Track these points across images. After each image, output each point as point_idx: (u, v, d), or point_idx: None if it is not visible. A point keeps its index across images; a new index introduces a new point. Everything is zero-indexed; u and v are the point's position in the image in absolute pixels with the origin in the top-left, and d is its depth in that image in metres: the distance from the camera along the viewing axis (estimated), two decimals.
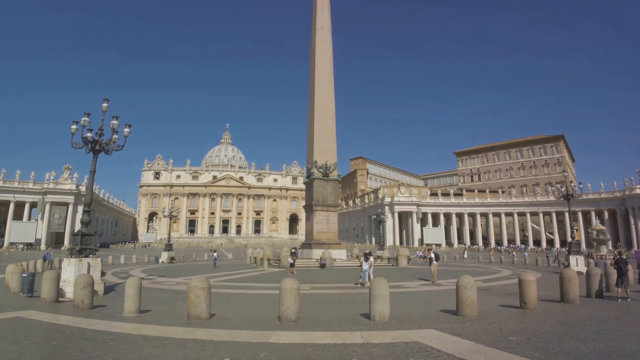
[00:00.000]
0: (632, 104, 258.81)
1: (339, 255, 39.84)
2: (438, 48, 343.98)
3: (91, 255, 20.60)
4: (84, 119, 20.23)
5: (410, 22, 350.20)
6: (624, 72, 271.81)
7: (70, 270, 19.80)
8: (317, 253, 37.93)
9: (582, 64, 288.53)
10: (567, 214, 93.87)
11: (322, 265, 34.91)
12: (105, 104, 20.86)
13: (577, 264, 35.37)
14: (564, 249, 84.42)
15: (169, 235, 60.14)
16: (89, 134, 20.75)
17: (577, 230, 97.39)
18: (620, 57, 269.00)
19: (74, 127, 20.42)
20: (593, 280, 17.36)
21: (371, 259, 21.82)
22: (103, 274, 22.48)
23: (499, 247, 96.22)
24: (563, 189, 41.86)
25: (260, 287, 22.20)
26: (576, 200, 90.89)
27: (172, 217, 62.59)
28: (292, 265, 29.65)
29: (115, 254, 58.91)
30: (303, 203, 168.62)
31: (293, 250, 34.67)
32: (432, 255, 24.47)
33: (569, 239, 40.21)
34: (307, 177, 43.10)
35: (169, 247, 54.78)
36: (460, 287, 12.21)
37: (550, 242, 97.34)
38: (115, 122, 20.93)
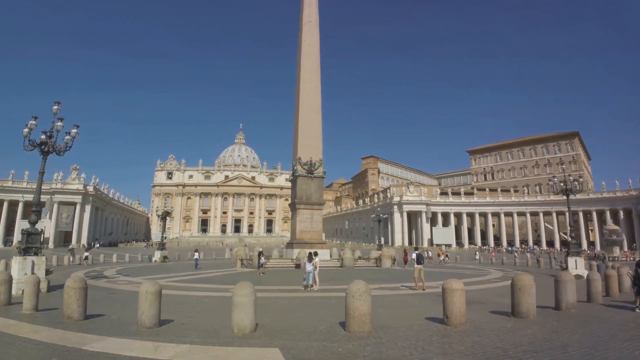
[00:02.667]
0: None
1: (322, 255, 38.49)
2: (442, 48, 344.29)
3: (36, 254, 20.57)
4: (31, 122, 20.54)
5: (419, 23, 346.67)
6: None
7: (15, 269, 19.98)
8: (305, 253, 36.65)
9: (597, 63, 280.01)
10: (580, 214, 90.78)
11: (297, 266, 33.69)
12: (55, 107, 21.33)
13: (577, 266, 32.56)
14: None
15: (163, 234, 59.79)
16: (43, 136, 21.17)
17: (591, 230, 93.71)
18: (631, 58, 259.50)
19: (25, 130, 20.54)
20: (591, 285, 16.05)
21: (316, 259, 20.34)
22: (49, 272, 22.17)
23: (510, 248, 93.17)
24: (562, 184, 38.35)
25: (204, 288, 21.20)
26: (590, 199, 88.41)
27: (167, 217, 62.31)
28: (260, 265, 28.56)
29: (119, 253, 58.82)
30: (325, 203, 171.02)
31: (260, 250, 33.50)
32: (414, 256, 21.06)
33: (569, 239, 37.17)
34: (292, 174, 41.96)
35: (161, 246, 54.47)
36: (347, 294, 10.02)
37: (564, 243, 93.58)
38: (60, 124, 21.29)
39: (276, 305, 15.17)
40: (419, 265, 20.00)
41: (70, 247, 56.67)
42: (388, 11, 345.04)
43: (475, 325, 10.85)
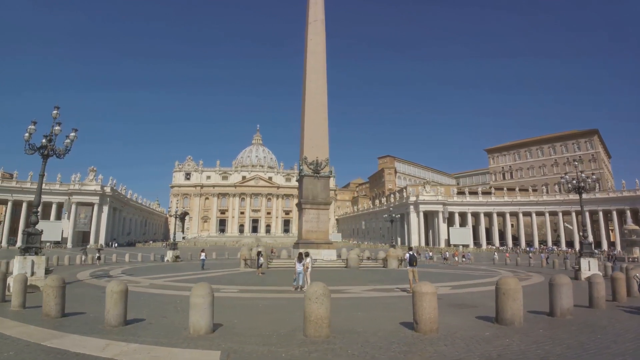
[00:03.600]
0: None
1: (328, 255, 38.23)
2: (455, 48, 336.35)
3: (35, 254, 21.16)
4: (30, 127, 21.25)
5: (437, 24, 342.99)
6: None
7: (15, 268, 20.61)
8: (307, 253, 36.43)
9: (616, 62, 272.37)
10: (600, 213, 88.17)
11: None
12: (55, 112, 21.95)
13: (590, 267, 31.22)
14: (597, 250, 78.98)
15: (174, 234, 60.50)
16: (43, 140, 21.78)
17: (611, 230, 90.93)
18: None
19: (26, 135, 21.22)
20: (593, 289, 14.81)
21: (307, 260, 20.03)
22: (48, 271, 22.57)
23: (529, 249, 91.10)
24: (574, 182, 36.48)
25: (222, 289, 21.09)
26: (610, 198, 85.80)
27: (185, 217, 62.94)
28: (260, 265, 28.44)
29: (134, 252, 59.75)
30: (332, 203, 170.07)
31: (259, 250, 33.33)
32: (407, 256, 20.33)
33: (580, 239, 35.77)
34: (299, 174, 41.77)
35: (173, 246, 55.18)
36: (305, 297, 9.61)
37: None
38: (58, 128, 21.93)
39: (257, 306, 15.07)
40: (412, 267, 19.35)
41: (82, 247, 57.75)
42: (399, 11, 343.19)
43: (449, 332, 10.15)
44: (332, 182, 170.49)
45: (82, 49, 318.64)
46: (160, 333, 10.05)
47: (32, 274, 20.42)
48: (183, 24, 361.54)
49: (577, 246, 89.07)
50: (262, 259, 28.59)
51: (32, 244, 21.46)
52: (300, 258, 20.01)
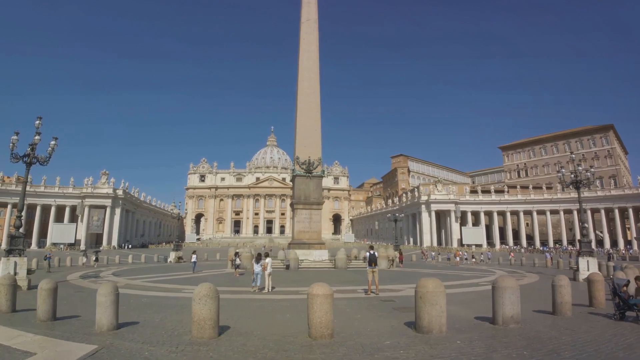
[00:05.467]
0: None
1: (319, 256, 37.86)
2: (452, 49, 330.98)
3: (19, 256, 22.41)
4: (13, 137, 22.36)
5: (444, 24, 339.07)
6: None
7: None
8: (294, 254, 36.22)
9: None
10: (616, 211, 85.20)
11: (287, 267, 33.20)
12: (37, 122, 23.12)
13: (588, 267, 29.87)
14: (612, 249, 76.44)
15: (177, 236, 61.00)
16: (28, 150, 23.09)
17: (628, 228, 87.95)
18: None
19: (11, 144, 22.26)
20: (556, 293, 13.00)
21: (266, 260, 19.64)
22: (30, 272, 23.34)
23: (542, 248, 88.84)
24: (572, 176, 34.70)
25: (165, 288, 21.26)
26: (627, 195, 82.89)
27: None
28: (237, 267, 28.38)
29: (141, 253, 60.28)
30: (346, 203, 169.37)
31: (237, 251, 33.17)
32: (367, 255, 19.32)
33: (579, 237, 34.16)
34: (291, 174, 41.56)
35: (176, 247, 55.86)
36: (193, 298, 9.52)
37: (600, 243, 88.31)
38: (37, 137, 23.10)
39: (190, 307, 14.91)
40: (370, 267, 18.59)
41: (82, 249, 58.94)
42: (410, 12, 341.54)
43: (347, 338, 9.54)
44: (345, 182, 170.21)
45: (90, 50, 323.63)
46: (75, 329, 10.43)
47: (15, 274, 21.19)
48: (194, 25, 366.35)
49: (593, 245, 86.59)
50: (239, 260, 28.47)
51: (16, 247, 22.60)
52: (258, 259, 19.75)
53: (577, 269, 30.30)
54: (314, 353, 8.39)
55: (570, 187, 35.09)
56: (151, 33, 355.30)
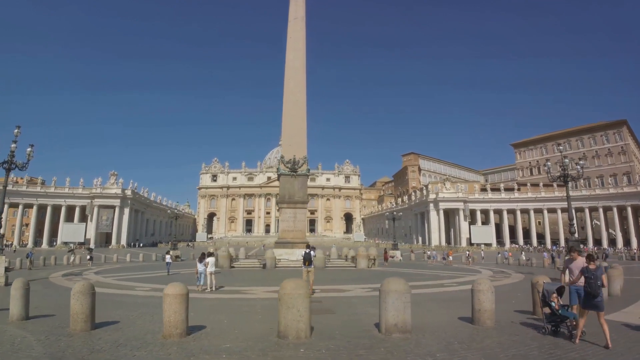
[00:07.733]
0: None
1: (300, 255, 37.64)
2: (458, 48, 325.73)
3: None
4: None
5: (446, 25, 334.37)
6: None
7: None
8: (272, 253, 36.19)
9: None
10: (629, 209, 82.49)
11: (264, 266, 33.15)
12: (16, 130, 24.57)
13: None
14: (624, 249, 74.15)
15: (176, 235, 61.68)
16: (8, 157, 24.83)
17: None
18: None
19: None
20: (474, 300, 11.27)
21: (208, 259, 19.59)
22: (8, 269, 24.21)
23: (553, 247, 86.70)
24: (561, 170, 33.27)
25: (125, 286, 21.75)
26: (638, 192, 79.83)
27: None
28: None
29: (141, 252, 61.08)
30: (357, 202, 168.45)
31: (204, 252, 33.05)
32: (309, 252, 19.03)
33: (572, 236, 33.01)
34: (277, 172, 41.53)
35: (174, 246, 56.89)
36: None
37: (612, 242, 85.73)
38: (13, 145, 24.45)
39: (126, 303, 15.34)
40: (305, 267, 18.43)
41: (69, 248, 60.32)
42: (417, 12, 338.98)
43: (202, 339, 9.52)
44: (356, 181, 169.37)
45: (91, 50, 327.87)
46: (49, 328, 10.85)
47: None
48: (203, 25, 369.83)
49: (604, 244, 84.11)
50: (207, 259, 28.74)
51: None
52: (201, 258, 19.79)
53: (564, 270, 29.35)
54: (144, 350, 8.62)
55: (559, 180, 34.40)
56: (151, 33, 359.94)
